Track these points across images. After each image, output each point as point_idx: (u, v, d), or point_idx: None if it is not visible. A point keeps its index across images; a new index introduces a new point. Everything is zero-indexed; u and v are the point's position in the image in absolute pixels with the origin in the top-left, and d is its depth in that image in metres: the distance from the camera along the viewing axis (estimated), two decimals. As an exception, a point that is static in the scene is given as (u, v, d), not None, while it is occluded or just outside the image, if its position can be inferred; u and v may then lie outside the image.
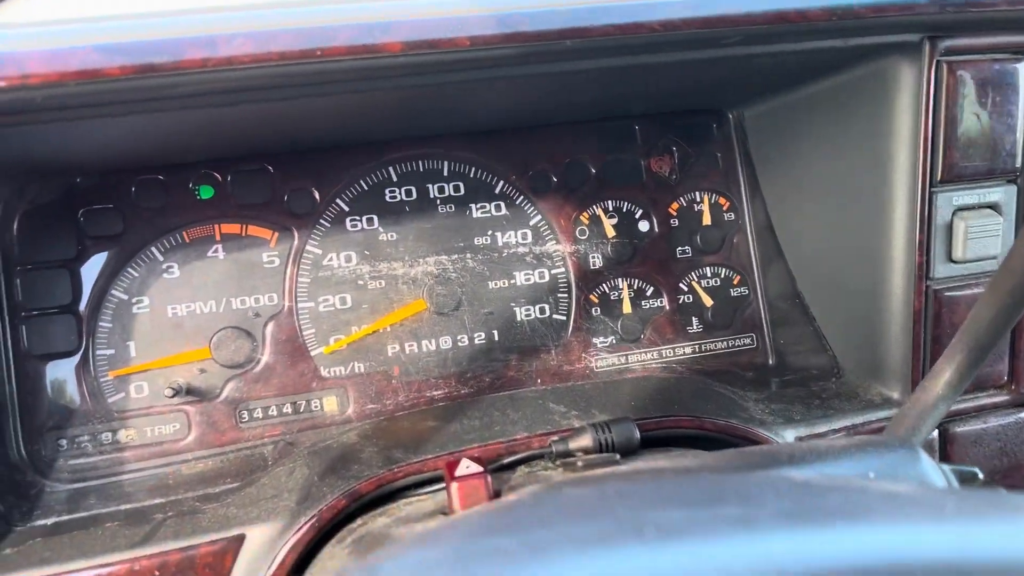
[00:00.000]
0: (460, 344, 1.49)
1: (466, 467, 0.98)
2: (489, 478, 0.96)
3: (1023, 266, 0.93)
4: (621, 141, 1.61)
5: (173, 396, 1.34)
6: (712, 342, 1.64)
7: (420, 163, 1.50)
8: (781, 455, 0.93)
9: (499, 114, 1.49)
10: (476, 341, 1.50)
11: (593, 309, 1.58)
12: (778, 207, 1.61)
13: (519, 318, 1.53)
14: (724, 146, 1.67)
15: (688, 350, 1.62)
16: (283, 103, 1.10)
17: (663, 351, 1.61)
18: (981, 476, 1.05)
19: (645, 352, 1.60)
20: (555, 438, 1.15)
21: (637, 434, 1.14)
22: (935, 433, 1.39)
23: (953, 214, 1.33)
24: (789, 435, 1.32)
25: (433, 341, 1.48)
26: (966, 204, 1.34)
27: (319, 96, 1.06)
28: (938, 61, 1.27)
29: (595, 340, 1.57)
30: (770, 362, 1.66)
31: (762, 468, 0.91)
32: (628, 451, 1.14)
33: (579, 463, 1.02)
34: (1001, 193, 1.35)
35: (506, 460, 1.13)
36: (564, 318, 1.56)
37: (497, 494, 0.99)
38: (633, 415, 1.25)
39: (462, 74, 1.08)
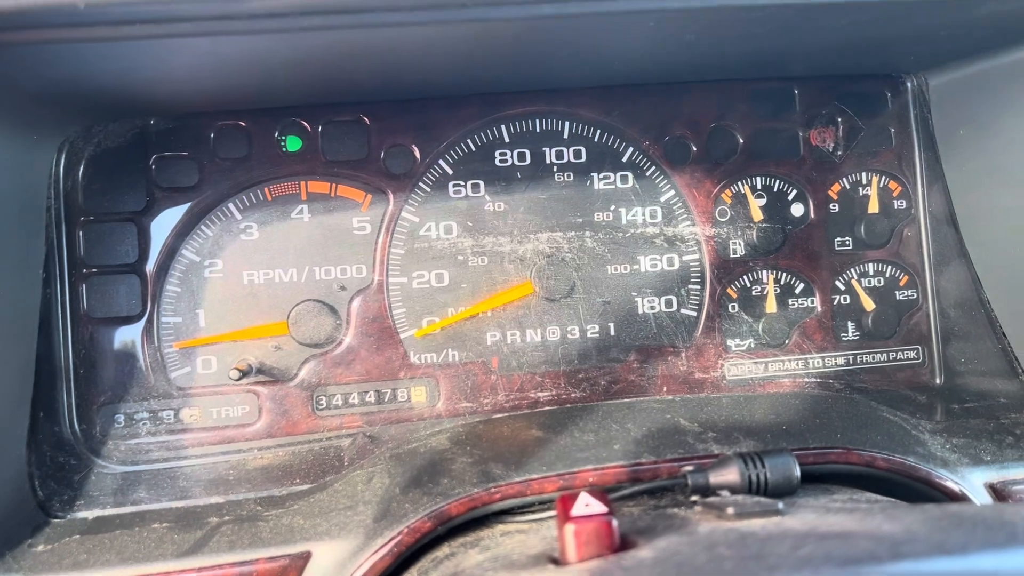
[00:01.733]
0: (571, 337, 1.28)
1: (585, 505, 0.76)
2: (615, 522, 0.75)
3: None
4: (777, 107, 1.35)
5: (240, 379, 1.17)
6: (870, 353, 1.37)
7: (537, 122, 1.28)
8: (1016, 527, 0.69)
9: (633, 66, 1.25)
10: (590, 334, 1.28)
11: (730, 305, 1.33)
12: (965, 196, 1.32)
13: (641, 310, 1.30)
14: (900, 119, 1.39)
15: (840, 361, 1.36)
16: (379, 31, 0.89)
17: (810, 361, 1.35)
18: None
19: (789, 360, 1.35)
20: (690, 467, 0.93)
21: (796, 472, 0.90)
22: None
23: None
24: (977, 480, 1.06)
25: (539, 331, 1.27)
26: None
27: (421, 24, 0.85)
28: None
29: (729, 343, 1.33)
30: (937, 382, 1.38)
31: (998, 547, 0.66)
32: (785, 492, 0.91)
33: (729, 509, 0.79)
34: None
35: (628, 490, 0.91)
36: (694, 314, 1.32)
37: (622, 539, 0.77)
38: (786, 441, 1.01)
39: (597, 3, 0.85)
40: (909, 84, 1.38)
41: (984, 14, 1.04)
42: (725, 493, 0.87)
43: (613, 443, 1.00)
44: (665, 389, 1.26)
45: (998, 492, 1.06)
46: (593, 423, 1.07)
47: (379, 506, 0.93)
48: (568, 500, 0.77)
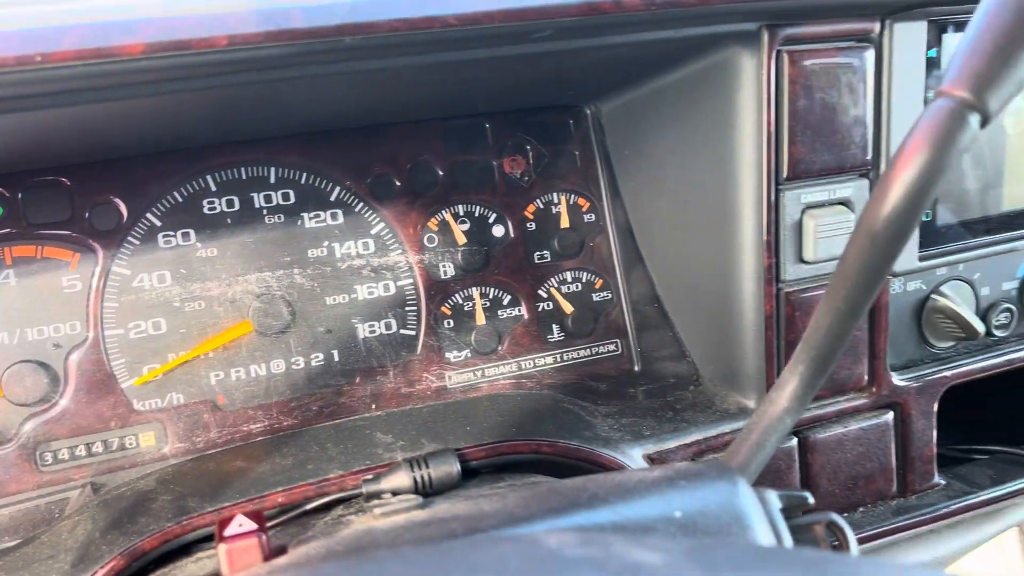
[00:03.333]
0: (294, 367, 1.37)
1: (239, 525, 0.86)
2: (264, 537, 0.85)
3: (855, 272, 0.86)
4: (470, 141, 1.51)
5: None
6: (574, 350, 1.55)
7: (242, 170, 1.37)
8: (581, 495, 0.84)
9: (330, 114, 1.37)
10: (313, 363, 1.38)
11: (445, 322, 1.47)
12: (636, 208, 1.53)
13: (361, 335, 1.42)
14: (582, 144, 1.58)
15: (549, 360, 1.53)
16: (39, 113, 0.96)
17: (522, 363, 1.51)
18: (811, 500, 0.98)
19: (503, 365, 1.50)
20: (369, 476, 1.05)
21: (456, 468, 1.04)
22: (794, 441, 1.33)
23: (802, 212, 1.27)
24: (637, 453, 1.24)
25: (263, 366, 1.36)
26: (815, 201, 1.27)
27: (59, 107, 0.93)
28: (778, 51, 1.20)
29: (448, 355, 1.47)
30: (636, 368, 1.58)
31: (559, 513, 0.82)
32: (449, 487, 1.05)
33: (376, 510, 0.92)
34: (852, 189, 1.29)
35: (311, 505, 1.03)
36: (413, 333, 1.45)
37: (282, 551, 0.88)
38: (467, 441, 1.15)
39: (233, 77, 0.96)
40: (588, 112, 1.58)
41: (604, 57, 1.23)
42: (388, 495, 1.00)
43: (308, 464, 1.11)
44: (374, 407, 1.38)
45: (655, 462, 1.25)
46: (296, 448, 1.17)
47: (79, 551, 0.99)
48: (225, 523, 0.87)
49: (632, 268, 1.57)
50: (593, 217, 1.58)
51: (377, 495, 1.02)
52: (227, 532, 0.85)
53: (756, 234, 1.27)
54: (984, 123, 0.76)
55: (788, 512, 0.96)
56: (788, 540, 0.89)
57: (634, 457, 1.23)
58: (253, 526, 0.86)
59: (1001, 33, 0.71)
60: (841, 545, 0.95)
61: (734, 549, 0.62)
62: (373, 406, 1.37)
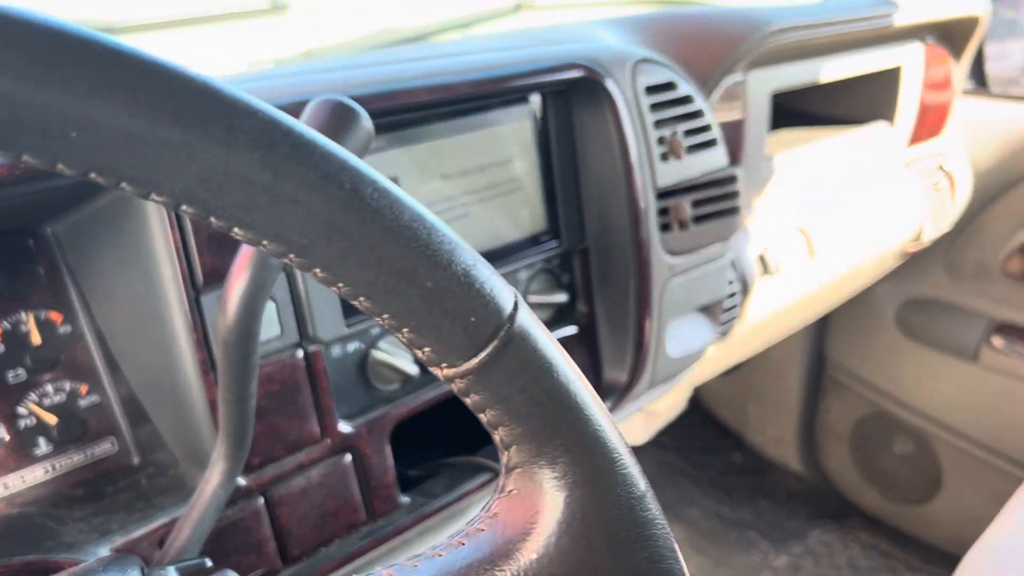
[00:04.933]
0: None
1: None
2: None
3: (224, 371, 1.08)
4: (-86, 278, 1.53)
5: None
6: (66, 457, 1.64)
7: None
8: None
9: None
10: None
11: (-92, 461, 1.48)
12: (102, 317, 1.66)
13: None
14: (49, 262, 1.67)
15: (39, 472, 1.60)
16: None
17: (8, 483, 1.57)
18: (209, 564, 1.19)
19: (-14, 488, 1.55)
20: None
21: None
22: (260, 500, 1.55)
23: (225, 310, 1.49)
24: (103, 550, 1.38)
25: None
26: (236, 299, 1.50)
27: None
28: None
29: (-84, 493, 1.48)
30: (136, 462, 1.71)
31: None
32: None
33: None
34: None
35: None
36: None
37: None
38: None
39: None
40: (49, 231, 1.67)
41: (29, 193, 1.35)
42: None
43: None
44: None
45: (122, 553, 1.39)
46: None
47: None
48: None
49: (116, 370, 1.70)
50: (70, 328, 1.68)
51: None
52: None
53: (188, 333, 1.47)
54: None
55: (187, 580, 1.15)
56: (181, 607, 1.08)
57: (101, 554, 1.37)
58: None
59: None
60: (235, 593, 1.16)
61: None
62: None
